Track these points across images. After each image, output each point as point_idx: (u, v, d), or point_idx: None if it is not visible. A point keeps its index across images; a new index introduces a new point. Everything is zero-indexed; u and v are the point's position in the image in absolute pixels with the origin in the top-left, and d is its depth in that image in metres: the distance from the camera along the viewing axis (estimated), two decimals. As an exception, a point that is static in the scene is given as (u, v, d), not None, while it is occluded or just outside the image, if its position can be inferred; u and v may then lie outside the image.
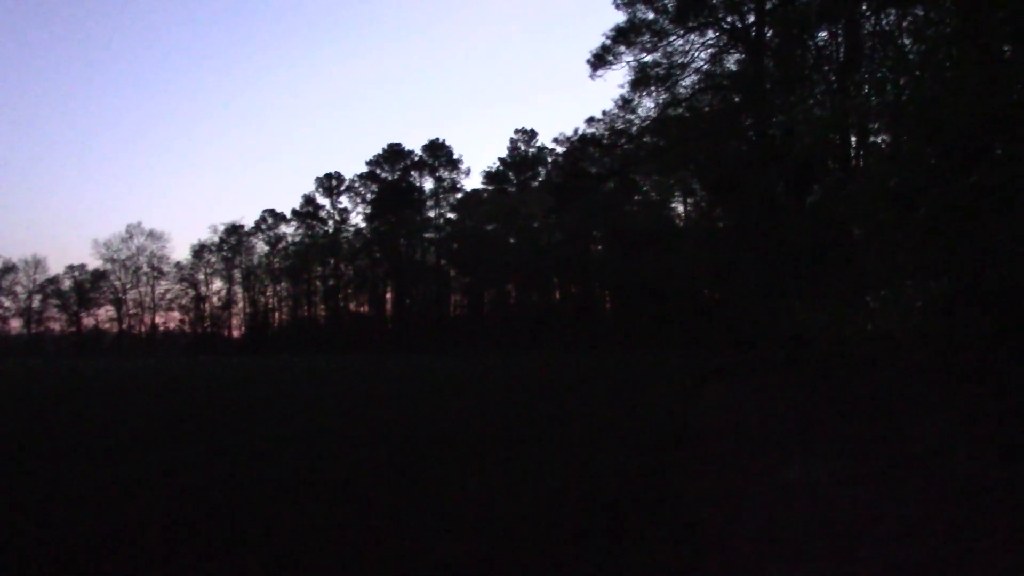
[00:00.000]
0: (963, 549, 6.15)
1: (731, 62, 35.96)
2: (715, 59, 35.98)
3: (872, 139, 20.21)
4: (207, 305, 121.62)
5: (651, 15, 36.05)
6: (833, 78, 26.12)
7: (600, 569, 5.94)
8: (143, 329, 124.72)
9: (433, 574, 5.89)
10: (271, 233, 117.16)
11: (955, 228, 10.94)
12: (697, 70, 36.46)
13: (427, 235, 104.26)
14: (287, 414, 18.11)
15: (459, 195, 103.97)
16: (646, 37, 36.43)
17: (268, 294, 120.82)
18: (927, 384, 12.84)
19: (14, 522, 7.81)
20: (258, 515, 7.87)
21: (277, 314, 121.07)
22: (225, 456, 11.82)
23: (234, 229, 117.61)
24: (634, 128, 40.19)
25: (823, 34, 28.00)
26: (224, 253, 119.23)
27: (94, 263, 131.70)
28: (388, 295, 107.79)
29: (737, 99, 35.07)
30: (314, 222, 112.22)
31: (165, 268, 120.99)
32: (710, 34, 35.73)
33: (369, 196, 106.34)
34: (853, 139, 22.75)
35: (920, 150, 11.70)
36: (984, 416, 10.71)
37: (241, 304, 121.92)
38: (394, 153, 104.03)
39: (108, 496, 9.00)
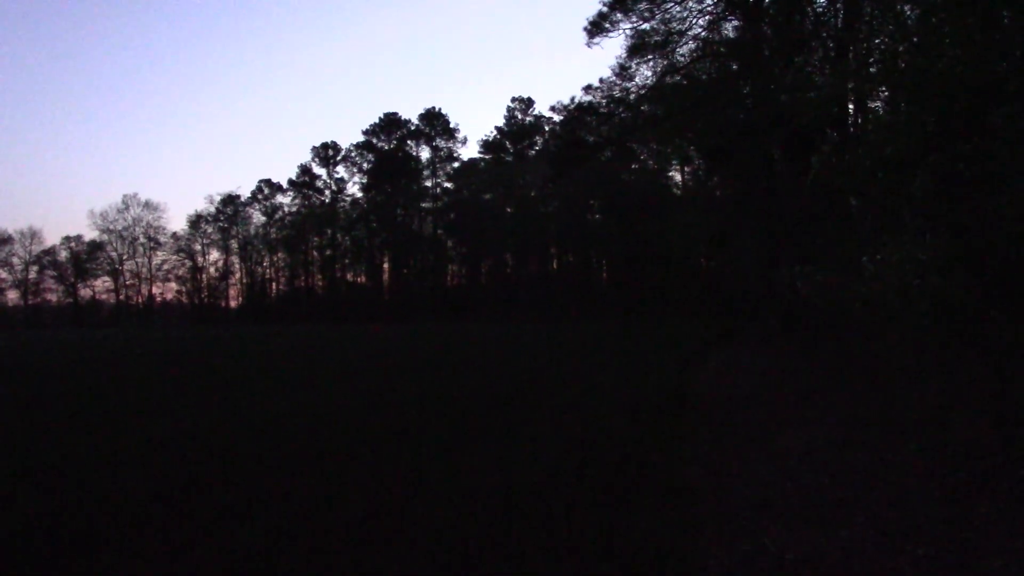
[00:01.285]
0: (958, 515, 6.22)
1: (729, 29, 35.69)
2: (713, 26, 35.65)
3: (870, 105, 20.14)
4: (204, 276, 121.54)
5: (648, -19, 35.72)
6: (832, 45, 25.97)
7: (596, 534, 6.00)
8: (140, 300, 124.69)
9: (436, 538, 5.95)
10: (267, 203, 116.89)
11: (953, 193, 10.94)
12: (695, 37, 36.15)
13: (424, 205, 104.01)
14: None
15: (456, 164, 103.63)
16: (643, 4, 36.05)
17: (265, 264, 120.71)
18: (923, 351, 12.89)
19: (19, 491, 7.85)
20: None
21: (274, 284, 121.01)
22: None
23: (230, 199, 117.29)
24: (632, 96, 39.90)
25: (822, 0, 27.82)
26: (221, 223, 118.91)
27: (90, 234, 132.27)
28: (385, 265, 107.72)
29: (735, 66, 34.81)
30: (311, 192, 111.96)
31: (162, 239, 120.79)
32: (708, 1, 35.42)
33: (366, 166, 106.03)
34: (851, 106, 22.65)
35: (918, 117, 11.68)
36: (979, 382, 10.78)
37: (238, 275, 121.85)
38: (390, 122, 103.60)
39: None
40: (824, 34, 26.73)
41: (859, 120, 22.58)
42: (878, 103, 17.93)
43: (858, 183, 14.00)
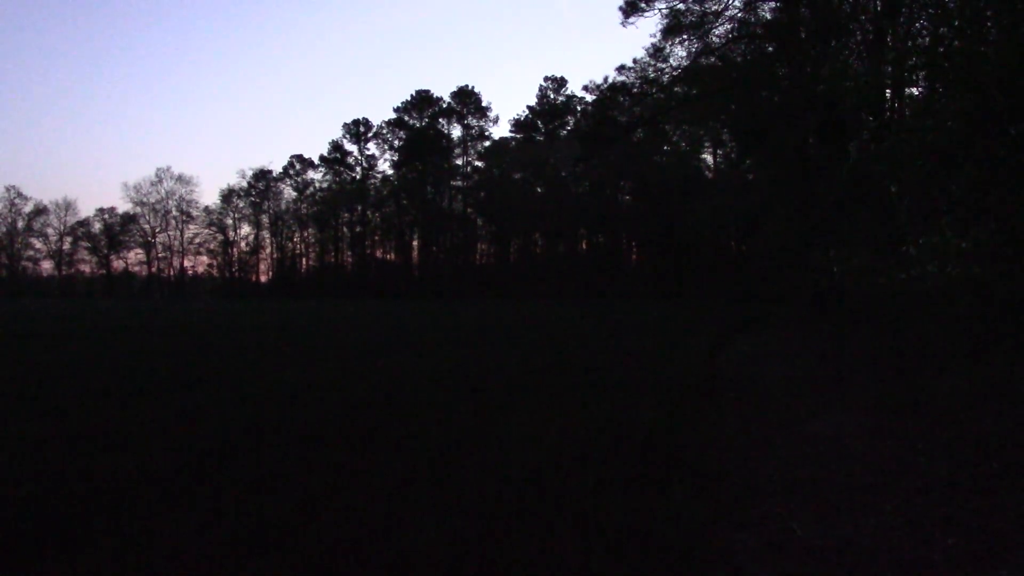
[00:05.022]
0: (989, 505, 6.17)
1: (765, 10, 35.37)
2: (749, 7, 35.33)
3: (908, 91, 19.87)
4: (235, 250, 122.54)
5: (685, -40, 35.47)
6: (870, 28, 25.61)
7: (623, 518, 5.99)
8: (172, 273, 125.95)
9: (456, 520, 5.96)
10: (299, 179, 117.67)
11: (998, 181, 10.78)
12: (731, 18, 35.88)
13: (454, 183, 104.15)
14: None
15: (487, 143, 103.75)
16: (680, -17, 35.84)
17: (295, 240, 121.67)
18: (958, 339, 12.76)
19: (39, 460, 7.94)
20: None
21: (304, 260, 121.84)
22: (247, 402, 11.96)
23: (262, 174, 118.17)
24: (665, 77, 39.75)
25: (861, -19, 27.40)
26: (252, 198, 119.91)
27: (124, 206, 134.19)
28: (415, 242, 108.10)
29: (770, 48, 34.50)
30: (342, 168, 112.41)
31: (194, 212, 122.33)
32: (745, -19, 35.07)
33: (397, 143, 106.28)
34: (888, 92, 22.34)
35: (958, 103, 11.50)
36: (1015, 372, 10.66)
37: (269, 249, 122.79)
38: (422, 100, 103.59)
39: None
40: (863, 17, 26.36)
41: (896, 105, 22.29)
42: (916, 89, 17.70)
43: (897, 170, 13.84)
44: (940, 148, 11.78)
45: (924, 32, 14.16)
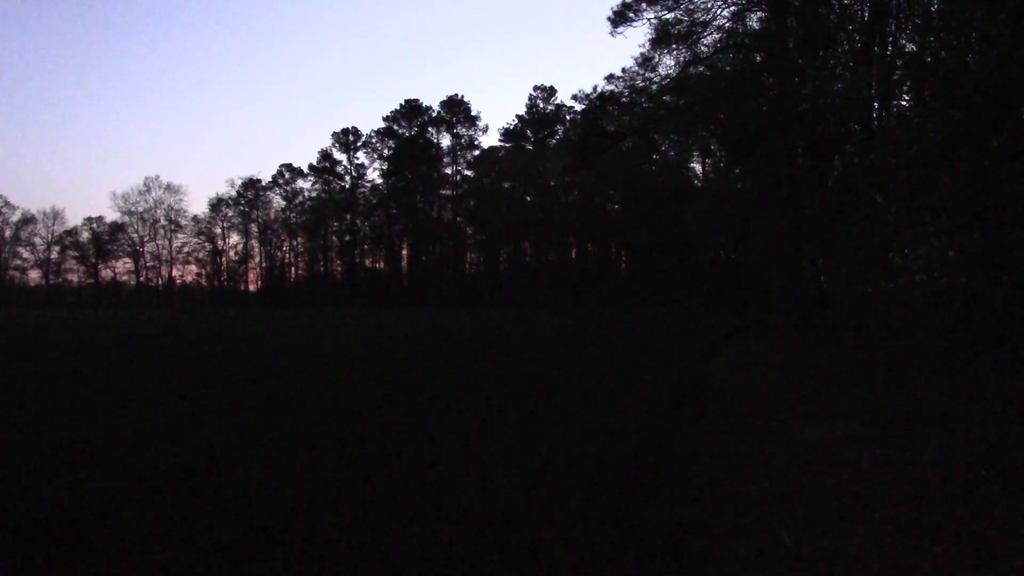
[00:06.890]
0: (978, 512, 6.19)
1: (753, 20, 35.48)
2: (737, 17, 35.42)
3: (894, 102, 19.95)
4: (224, 259, 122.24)
5: (673, -29, 35.58)
6: (857, 38, 25.72)
7: (612, 526, 6.00)
8: (160, 282, 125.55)
9: (447, 530, 5.96)
10: (288, 188, 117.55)
11: (982, 191, 10.86)
12: (719, 28, 35.97)
13: (444, 192, 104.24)
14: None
15: (476, 152, 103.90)
16: (668, -7, 35.94)
17: (285, 249, 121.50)
18: (946, 347, 12.82)
19: (36, 467, 7.91)
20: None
21: (293, 269, 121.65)
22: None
23: (251, 183, 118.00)
24: (654, 86, 39.90)
25: (848, -8, 27.51)
26: (241, 207, 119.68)
27: (112, 215, 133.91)
28: (404, 251, 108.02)
29: (759, 58, 34.63)
30: (331, 177, 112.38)
31: (182, 221, 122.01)
32: (732, -9, 35.19)
33: (386, 152, 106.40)
34: (875, 103, 22.41)
35: (943, 114, 11.58)
36: (1002, 379, 10.71)
37: (258, 258, 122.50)
38: (412, 109, 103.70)
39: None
40: (850, 27, 26.49)
41: (884, 113, 22.39)
42: (903, 100, 17.79)
43: (882, 181, 13.92)
44: (924, 159, 11.85)
45: (910, 43, 14.26)
